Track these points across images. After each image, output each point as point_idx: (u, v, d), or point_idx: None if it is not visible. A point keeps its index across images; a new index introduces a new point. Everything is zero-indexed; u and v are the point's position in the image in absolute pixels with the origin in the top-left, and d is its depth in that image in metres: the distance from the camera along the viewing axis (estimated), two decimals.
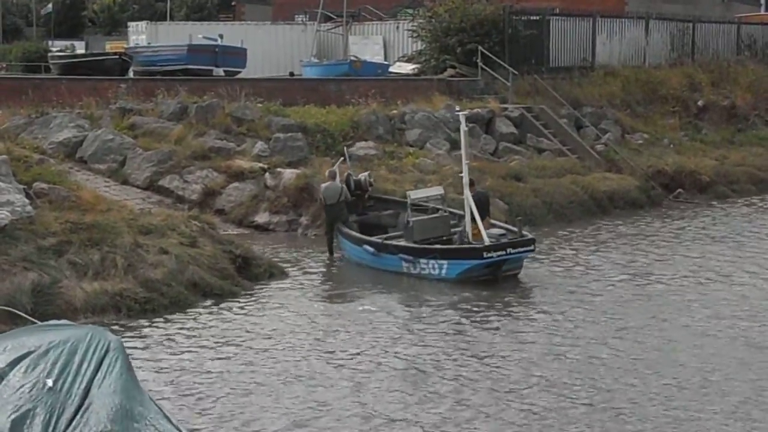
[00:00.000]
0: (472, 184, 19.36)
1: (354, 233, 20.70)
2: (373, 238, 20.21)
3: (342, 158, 23.27)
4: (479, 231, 18.90)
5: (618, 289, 18.44)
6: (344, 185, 21.09)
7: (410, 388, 12.78)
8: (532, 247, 19.22)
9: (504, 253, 18.66)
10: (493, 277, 18.70)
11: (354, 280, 19.23)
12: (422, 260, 19.14)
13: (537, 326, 15.74)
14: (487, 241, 18.63)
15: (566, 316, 16.33)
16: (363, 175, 22.32)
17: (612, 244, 22.95)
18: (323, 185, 21.22)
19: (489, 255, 18.54)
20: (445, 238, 19.94)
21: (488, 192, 21.65)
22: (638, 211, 27.48)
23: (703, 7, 48.15)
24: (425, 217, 20.26)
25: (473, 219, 18.97)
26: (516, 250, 18.82)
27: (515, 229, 19.34)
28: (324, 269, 20.31)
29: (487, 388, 12.75)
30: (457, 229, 20.05)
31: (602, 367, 13.65)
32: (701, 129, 35.97)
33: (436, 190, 21.10)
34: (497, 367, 13.65)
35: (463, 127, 19.34)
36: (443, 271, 18.90)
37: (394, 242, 19.98)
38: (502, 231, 19.58)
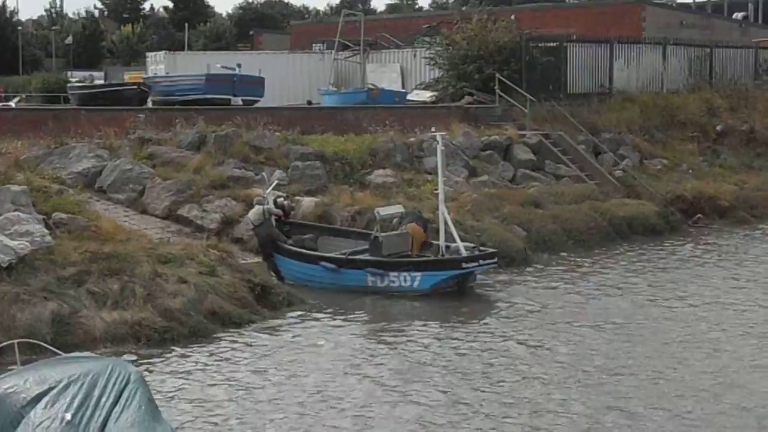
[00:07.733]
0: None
1: (305, 251, 21.14)
2: (333, 255, 20.80)
3: (276, 182, 23.33)
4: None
5: (636, 309, 18.37)
6: (265, 203, 21.37)
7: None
8: (495, 260, 20.49)
9: (477, 264, 19.92)
10: (458, 288, 19.76)
11: (374, 306, 19.16)
12: (392, 273, 19.85)
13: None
14: (464, 253, 19.76)
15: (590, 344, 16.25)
16: (284, 200, 22.70)
17: (630, 268, 22.89)
18: (250, 212, 21.66)
19: (467, 266, 19.72)
20: (408, 253, 20.77)
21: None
22: (657, 236, 27.34)
23: (721, 33, 48.13)
24: (392, 233, 20.97)
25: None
26: (485, 262, 20.14)
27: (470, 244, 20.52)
28: (340, 296, 20.22)
29: None
30: None
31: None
32: (720, 154, 35.83)
33: (399, 208, 21.99)
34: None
35: (440, 147, 20.75)
36: (415, 283, 19.72)
37: (360, 257, 20.49)
38: (472, 244, 20.62)
